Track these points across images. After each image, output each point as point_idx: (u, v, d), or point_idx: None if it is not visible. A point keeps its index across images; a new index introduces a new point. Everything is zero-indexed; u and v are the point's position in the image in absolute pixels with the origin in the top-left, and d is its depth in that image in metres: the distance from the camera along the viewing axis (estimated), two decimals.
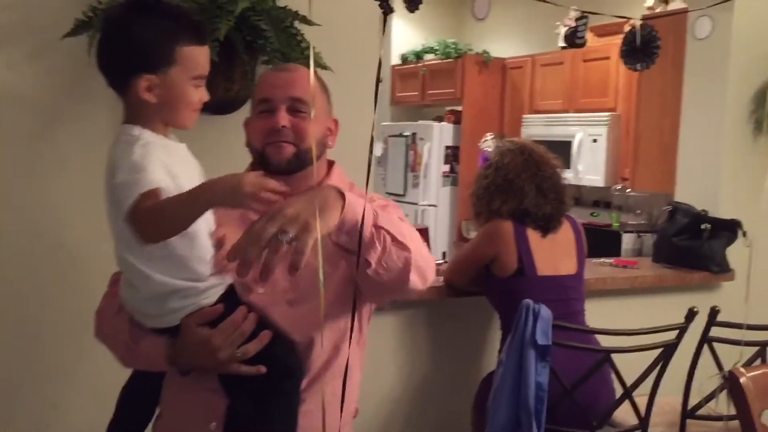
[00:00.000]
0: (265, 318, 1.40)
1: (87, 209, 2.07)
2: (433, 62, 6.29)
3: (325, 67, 2.15)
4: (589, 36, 5.37)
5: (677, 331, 2.11)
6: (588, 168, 4.97)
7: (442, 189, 6.04)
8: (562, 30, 5.44)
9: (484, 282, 2.50)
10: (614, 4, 5.07)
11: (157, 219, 1.24)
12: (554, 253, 2.44)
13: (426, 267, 1.42)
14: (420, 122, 6.24)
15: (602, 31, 5.32)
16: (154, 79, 1.31)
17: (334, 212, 1.28)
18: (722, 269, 3.14)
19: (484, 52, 5.94)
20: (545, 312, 2.04)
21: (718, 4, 3.17)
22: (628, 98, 4.82)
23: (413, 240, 1.40)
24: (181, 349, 1.37)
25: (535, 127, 5.55)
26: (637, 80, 4.51)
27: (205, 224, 1.34)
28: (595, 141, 4.92)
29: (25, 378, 2.11)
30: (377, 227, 1.34)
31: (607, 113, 4.91)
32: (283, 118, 1.49)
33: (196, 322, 1.34)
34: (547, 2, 3.11)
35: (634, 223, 4.68)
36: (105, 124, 2.10)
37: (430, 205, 5.99)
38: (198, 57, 1.34)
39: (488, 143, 4.41)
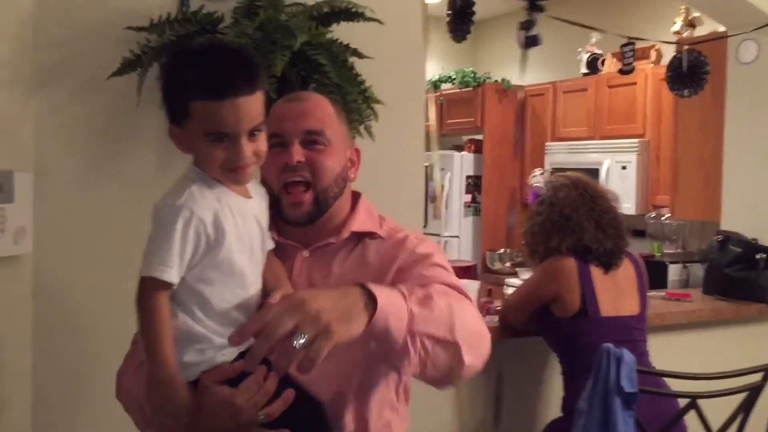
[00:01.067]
0: (288, 375, 1.25)
1: (133, 253, 1.97)
2: (450, 91, 6.22)
3: (378, 102, 2.06)
4: (611, 62, 5.30)
5: (763, 373, 1.98)
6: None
7: (464, 219, 5.94)
8: (584, 56, 5.39)
9: (542, 322, 2.38)
10: (638, 30, 5.02)
11: (142, 318, 1.20)
12: (616, 292, 2.33)
13: (481, 344, 1.29)
14: (439, 152, 6.15)
15: None
16: (176, 130, 1.26)
17: (361, 320, 1.14)
18: None
19: (503, 80, 5.87)
20: (628, 356, 1.92)
21: (762, 27, 3.10)
22: (656, 124, 4.74)
23: (463, 322, 1.25)
24: (198, 418, 1.23)
25: (559, 155, 5.46)
26: (672, 106, 4.42)
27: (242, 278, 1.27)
28: (624, 168, 4.83)
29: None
30: (413, 334, 1.18)
31: (635, 139, 4.82)
32: (297, 153, 1.35)
33: (214, 379, 1.22)
34: (576, 24, 3.04)
35: (673, 252, 4.56)
36: (153, 166, 2.01)
37: (452, 236, 5.88)
38: (211, 112, 1.19)
39: (538, 178, 4.31)
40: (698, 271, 3.91)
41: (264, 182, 1.41)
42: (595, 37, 5.32)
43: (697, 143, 4.03)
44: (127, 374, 1.39)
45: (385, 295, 1.16)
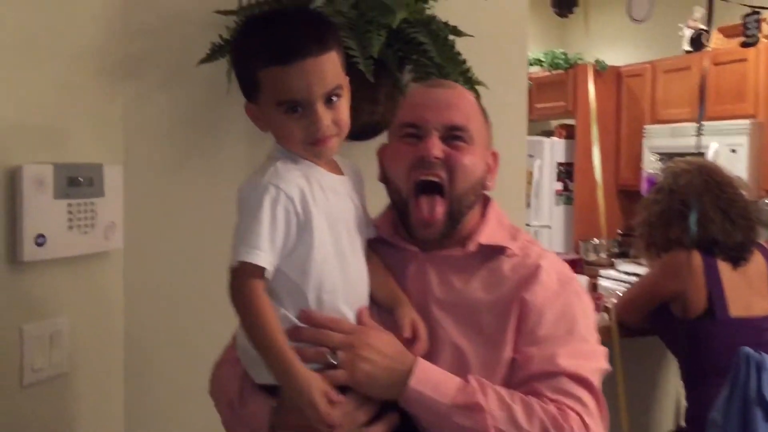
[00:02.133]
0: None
1: (220, 244, 1.88)
2: (538, 75, 5.96)
3: (480, 83, 1.90)
4: (717, 38, 4.94)
5: None
6: None
7: (556, 208, 5.70)
8: (687, 32, 5.04)
9: (661, 322, 2.17)
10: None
11: (241, 309, 1.10)
12: (747, 290, 2.10)
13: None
14: (528, 138, 5.91)
15: (732, 32, 4.87)
16: (253, 107, 1.17)
17: (389, 388, 1.11)
18: None
19: (598, 60, 5.57)
20: None
21: None
22: None
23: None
24: (287, 418, 1.13)
25: (659, 139, 5.14)
26: None
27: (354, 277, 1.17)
28: (734, 151, 4.49)
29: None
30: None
31: (746, 120, 4.48)
32: (436, 146, 1.19)
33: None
34: None
35: None
36: (243, 155, 1.91)
37: (543, 226, 5.65)
38: (280, 80, 1.09)
39: (654, 164, 4.04)
40: None
41: (388, 180, 1.27)
42: (698, 11, 4.97)
43: None
44: (222, 366, 1.30)
45: (431, 376, 1.10)
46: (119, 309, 1.84)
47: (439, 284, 1.22)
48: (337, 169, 1.21)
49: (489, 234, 1.24)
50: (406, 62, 1.81)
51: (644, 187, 2.02)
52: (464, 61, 1.77)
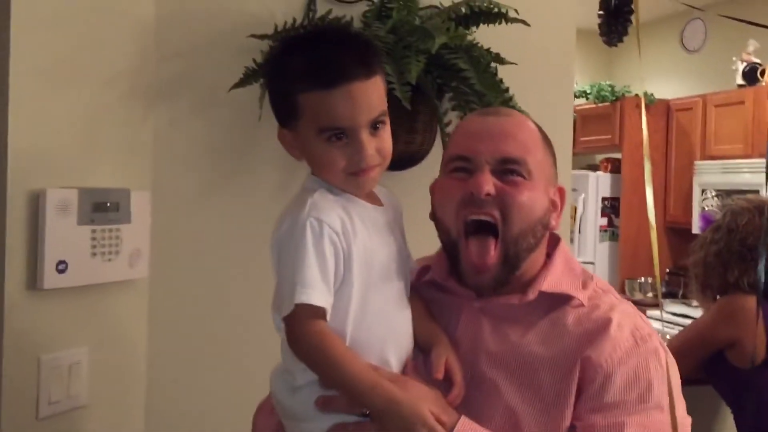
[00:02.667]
0: None
1: (249, 276, 1.82)
2: (584, 107, 5.84)
3: (522, 113, 1.80)
4: None
5: None
6: None
7: (600, 244, 5.54)
8: (740, 66, 4.88)
9: (715, 370, 2.02)
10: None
11: (312, 355, 1.00)
12: None
13: None
14: (572, 172, 5.77)
15: None
16: (288, 134, 1.09)
17: None
18: None
19: (646, 93, 5.43)
20: None
21: None
22: None
23: None
24: None
25: (710, 175, 4.96)
26: None
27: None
28: None
29: None
30: None
31: None
32: (487, 182, 1.06)
33: None
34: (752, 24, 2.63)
35: None
36: (274, 184, 1.84)
37: (587, 263, 5.47)
38: (323, 105, 1.01)
39: (711, 201, 3.88)
40: None
41: (437, 219, 1.15)
42: (752, 44, 4.81)
43: None
44: (258, 415, 1.22)
45: None
46: (142, 341, 1.78)
47: (492, 335, 1.10)
48: (376, 200, 1.13)
49: (553, 280, 1.11)
50: (445, 89, 1.74)
51: (700, 225, 1.90)
52: (507, 90, 1.69)
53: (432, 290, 1.18)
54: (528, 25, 1.80)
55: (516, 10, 1.80)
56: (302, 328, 0.99)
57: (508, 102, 1.72)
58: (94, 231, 1.58)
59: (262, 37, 1.75)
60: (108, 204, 1.61)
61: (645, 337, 1.05)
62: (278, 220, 1.08)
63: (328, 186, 1.08)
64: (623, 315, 1.07)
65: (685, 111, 5.28)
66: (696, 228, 4.86)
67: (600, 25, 2.17)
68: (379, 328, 1.05)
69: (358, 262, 1.03)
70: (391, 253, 1.10)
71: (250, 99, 1.72)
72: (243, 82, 1.72)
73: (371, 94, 1.04)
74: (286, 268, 1.01)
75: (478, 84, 1.59)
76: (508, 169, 1.08)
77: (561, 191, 1.16)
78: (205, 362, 1.83)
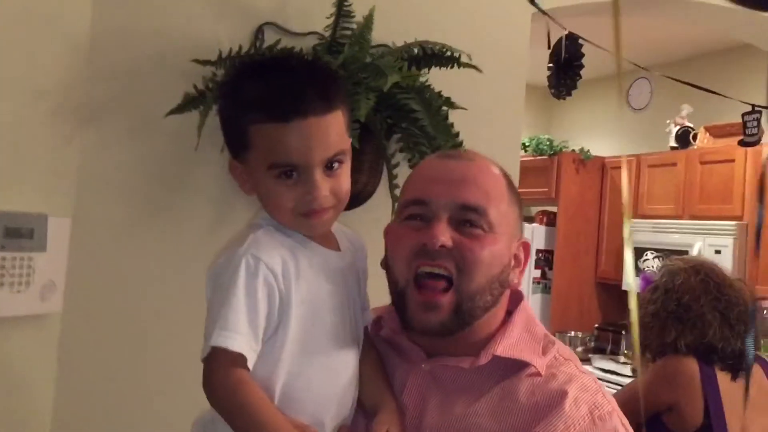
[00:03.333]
0: None
1: (174, 317, 1.69)
2: (522, 158, 5.89)
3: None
4: (704, 137, 4.93)
5: None
6: None
7: (533, 296, 5.54)
8: (674, 129, 5.02)
9: None
10: (735, 105, 4.66)
11: (225, 404, 0.89)
12: (744, 406, 1.92)
13: None
14: None
15: (720, 132, 4.87)
16: (238, 166, 1.00)
17: None
18: None
19: (582, 149, 5.53)
20: None
21: None
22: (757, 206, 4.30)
23: None
24: None
25: (642, 234, 5.04)
26: None
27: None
28: (718, 252, 4.38)
29: None
30: None
31: (732, 222, 4.39)
32: (443, 232, 0.97)
33: None
34: (697, 87, 2.68)
35: None
36: (209, 219, 1.74)
37: None
38: (275, 138, 0.93)
39: (650, 261, 3.92)
40: None
41: (388, 267, 1.05)
42: (686, 109, 4.96)
43: None
44: None
45: None
46: (50, 381, 1.62)
47: (438, 404, 1.00)
48: (332, 243, 1.03)
49: (510, 344, 1.00)
50: (394, 130, 1.68)
51: (640, 285, 1.89)
52: (457, 134, 1.64)
53: (384, 345, 1.09)
54: (480, 71, 1.77)
55: (469, 56, 1.76)
56: (217, 374, 0.89)
57: (457, 147, 1.67)
58: (3, 258, 1.44)
59: (206, 62, 1.66)
60: (21, 229, 1.48)
61: (604, 416, 0.95)
62: (216, 254, 0.99)
63: (278, 225, 0.99)
64: (582, 389, 0.96)
65: (620, 169, 5.39)
66: (626, 285, 4.92)
67: (549, 78, 2.16)
68: (317, 385, 0.96)
69: (299, 309, 0.94)
70: (342, 302, 1.01)
71: (188, 127, 1.63)
72: (181, 108, 1.62)
73: (329, 131, 0.95)
74: (213, 306, 0.92)
75: (430, 126, 1.53)
76: (467, 218, 0.98)
77: (525, 246, 1.06)
78: (118, 411, 1.68)
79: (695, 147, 4.89)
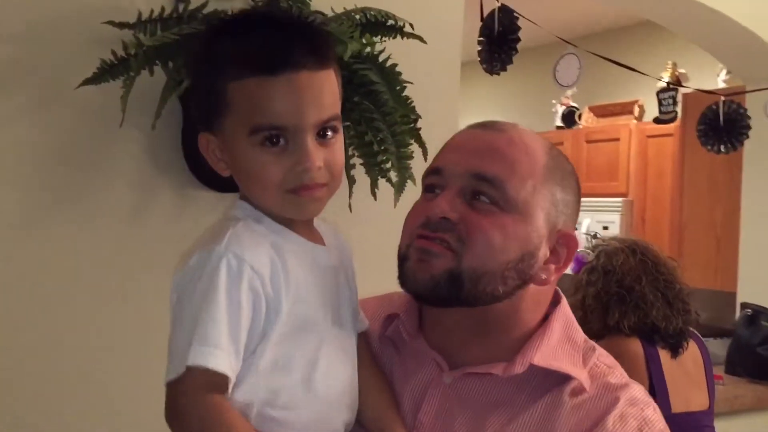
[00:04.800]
0: None
1: (91, 323, 1.46)
2: None
3: (422, 144, 1.62)
4: (588, 116, 5.08)
5: None
6: None
7: None
8: (560, 109, 5.14)
9: None
10: (617, 86, 4.82)
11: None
12: (686, 382, 1.94)
13: None
14: None
15: (603, 112, 5.04)
16: (212, 140, 0.83)
17: None
18: None
19: None
20: None
21: None
22: (641, 183, 4.49)
23: None
24: None
25: None
26: (677, 164, 4.09)
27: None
28: (606, 228, 4.53)
29: None
30: None
31: (618, 198, 4.55)
32: (446, 204, 0.85)
33: None
34: (616, 63, 2.71)
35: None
36: (129, 207, 1.51)
37: None
38: (257, 95, 0.79)
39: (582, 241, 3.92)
40: (712, 347, 3.60)
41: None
42: (570, 89, 5.09)
43: (705, 206, 3.74)
44: None
45: None
46: None
47: (465, 425, 0.86)
48: (317, 237, 0.87)
49: (548, 352, 0.87)
50: (344, 104, 1.52)
51: (573, 266, 1.86)
52: (413, 109, 1.50)
53: (390, 349, 0.94)
54: (425, 42, 1.63)
55: (411, 25, 1.63)
56: (191, 400, 0.73)
57: (414, 125, 1.54)
58: None
59: (122, 25, 1.43)
60: None
61: None
62: (185, 253, 0.81)
63: (257, 215, 0.82)
64: (630, 403, 0.86)
65: None
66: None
67: (480, 52, 2.07)
68: (306, 404, 0.81)
69: (288, 318, 0.79)
70: (335, 307, 0.85)
71: (105, 100, 1.41)
72: (97, 78, 1.38)
73: (323, 89, 0.80)
74: (185, 317, 0.76)
75: (391, 100, 1.38)
76: (480, 191, 0.85)
77: (568, 240, 0.89)
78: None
79: (581, 126, 5.03)
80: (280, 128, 0.79)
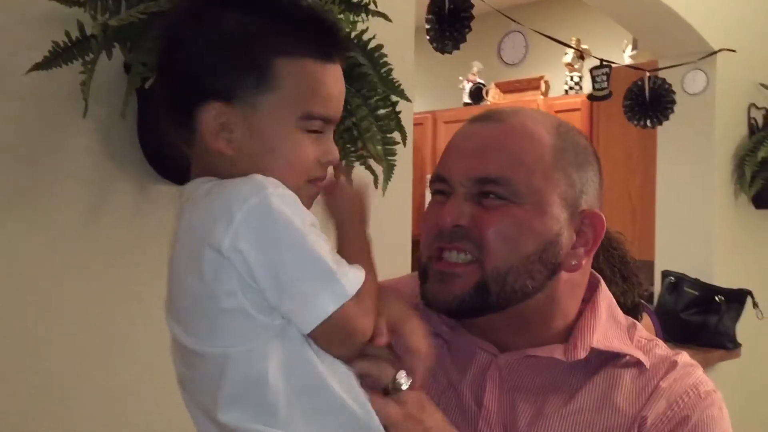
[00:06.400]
0: None
1: (38, 325, 1.31)
2: None
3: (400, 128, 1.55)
4: (495, 93, 5.14)
5: None
6: None
7: None
8: (467, 86, 5.18)
9: None
10: (522, 62, 4.89)
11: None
12: None
13: None
14: None
15: (509, 88, 5.12)
16: (228, 111, 0.74)
17: None
18: (735, 345, 2.87)
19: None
20: None
21: (706, 57, 2.99)
22: None
23: None
24: None
25: None
26: (588, 138, 4.22)
27: None
28: None
29: None
30: None
31: None
32: (454, 210, 0.84)
33: None
34: (552, 39, 2.71)
35: None
36: (83, 204, 1.37)
37: None
38: (315, 80, 0.75)
39: None
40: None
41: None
42: (476, 66, 5.14)
43: (621, 178, 3.87)
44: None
45: None
46: None
47: (527, 401, 0.86)
48: None
49: (602, 334, 0.88)
50: None
51: None
52: (402, 93, 1.42)
53: (437, 340, 0.90)
54: (390, 20, 1.56)
55: (374, 2, 1.55)
56: (363, 311, 0.72)
57: (395, 107, 1.47)
58: None
59: (71, 3, 1.27)
60: None
61: (710, 392, 0.88)
62: (185, 232, 0.72)
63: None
64: (682, 366, 0.89)
65: (417, 126, 5.46)
66: None
67: (429, 31, 2.01)
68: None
69: None
70: None
71: (56, 87, 1.25)
72: (49, 63, 1.22)
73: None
74: (280, 264, 0.68)
75: (380, 83, 1.31)
76: (486, 191, 0.84)
77: (594, 219, 0.87)
78: None
79: (488, 103, 5.09)
80: (328, 119, 0.76)
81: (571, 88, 4.61)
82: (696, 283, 2.91)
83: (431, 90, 5.45)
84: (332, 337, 0.70)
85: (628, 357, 0.88)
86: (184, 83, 0.75)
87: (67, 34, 1.23)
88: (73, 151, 1.33)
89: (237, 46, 0.73)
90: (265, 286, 0.68)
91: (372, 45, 1.35)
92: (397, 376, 0.74)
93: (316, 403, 0.69)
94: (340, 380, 0.71)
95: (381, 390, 0.74)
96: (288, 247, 0.68)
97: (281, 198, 0.69)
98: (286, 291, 0.68)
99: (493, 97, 5.08)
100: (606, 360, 0.88)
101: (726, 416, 0.88)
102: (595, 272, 0.96)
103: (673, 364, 0.89)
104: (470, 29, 1.94)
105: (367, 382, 0.73)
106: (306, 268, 0.68)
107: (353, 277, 0.70)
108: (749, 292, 2.86)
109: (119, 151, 1.39)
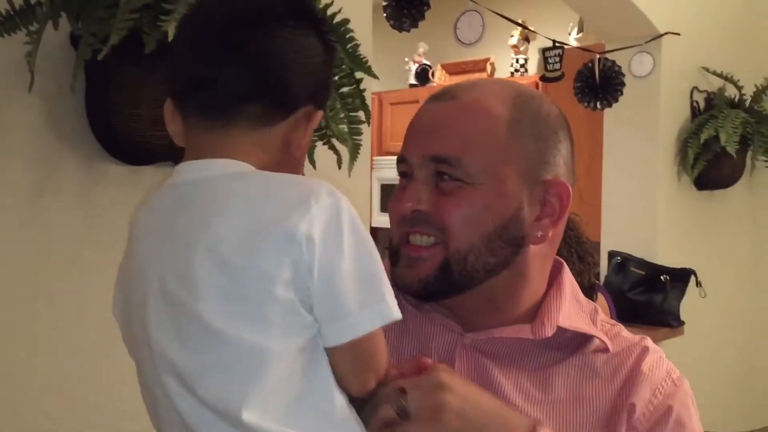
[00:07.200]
0: None
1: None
2: None
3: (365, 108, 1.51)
4: (441, 74, 5.13)
5: None
6: None
7: None
8: (413, 67, 5.15)
9: None
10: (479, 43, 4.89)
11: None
12: None
13: None
14: None
15: (456, 69, 5.11)
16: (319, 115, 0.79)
17: None
18: (679, 323, 2.95)
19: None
20: None
21: (652, 40, 3.02)
22: None
23: None
24: None
25: (387, 170, 5.13)
26: None
27: None
28: None
29: None
30: None
31: None
32: (413, 195, 0.84)
33: None
34: (512, 21, 2.69)
35: None
36: (27, 187, 1.28)
37: None
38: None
39: None
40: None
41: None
42: (422, 47, 5.11)
43: None
44: None
45: None
46: None
47: (492, 383, 0.84)
48: None
49: (566, 315, 0.87)
50: None
51: None
52: (369, 70, 1.38)
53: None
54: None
55: None
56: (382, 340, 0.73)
57: (356, 84, 1.42)
58: None
59: None
60: None
61: (681, 378, 0.90)
62: (239, 208, 0.69)
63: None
64: (654, 352, 0.90)
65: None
66: (377, 222, 5.00)
67: (386, 8, 1.97)
68: None
69: None
70: None
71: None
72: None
73: None
74: (359, 264, 0.68)
75: (347, 58, 1.26)
76: (441, 172, 0.83)
77: (559, 187, 0.85)
78: None
79: (434, 84, 5.07)
80: None
81: (516, 70, 4.63)
82: (642, 263, 2.96)
83: (377, 71, 5.40)
84: (358, 357, 0.70)
85: (597, 342, 0.88)
86: (306, 82, 0.75)
87: (10, 2, 1.14)
88: (17, 128, 1.25)
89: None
90: (316, 282, 0.66)
91: (338, 19, 1.30)
92: (401, 402, 0.72)
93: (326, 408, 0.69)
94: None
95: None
96: (353, 252, 0.67)
97: (350, 206, 0.70)
98: (333, 293, 0.66)
99: (440, 79, 5.07)
100: (576, 343, 0.88)
101: (694, 401, 0.90)
102: (557, 257, 0.94)
103: (645, 349, 0.89)
104: (429, 6, 1.91)
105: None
106: (363, 279, 0.68)
107: (392, 300, 0.69)
108: (693, 272, 2.93)
109: (66, 129, 1.31)
